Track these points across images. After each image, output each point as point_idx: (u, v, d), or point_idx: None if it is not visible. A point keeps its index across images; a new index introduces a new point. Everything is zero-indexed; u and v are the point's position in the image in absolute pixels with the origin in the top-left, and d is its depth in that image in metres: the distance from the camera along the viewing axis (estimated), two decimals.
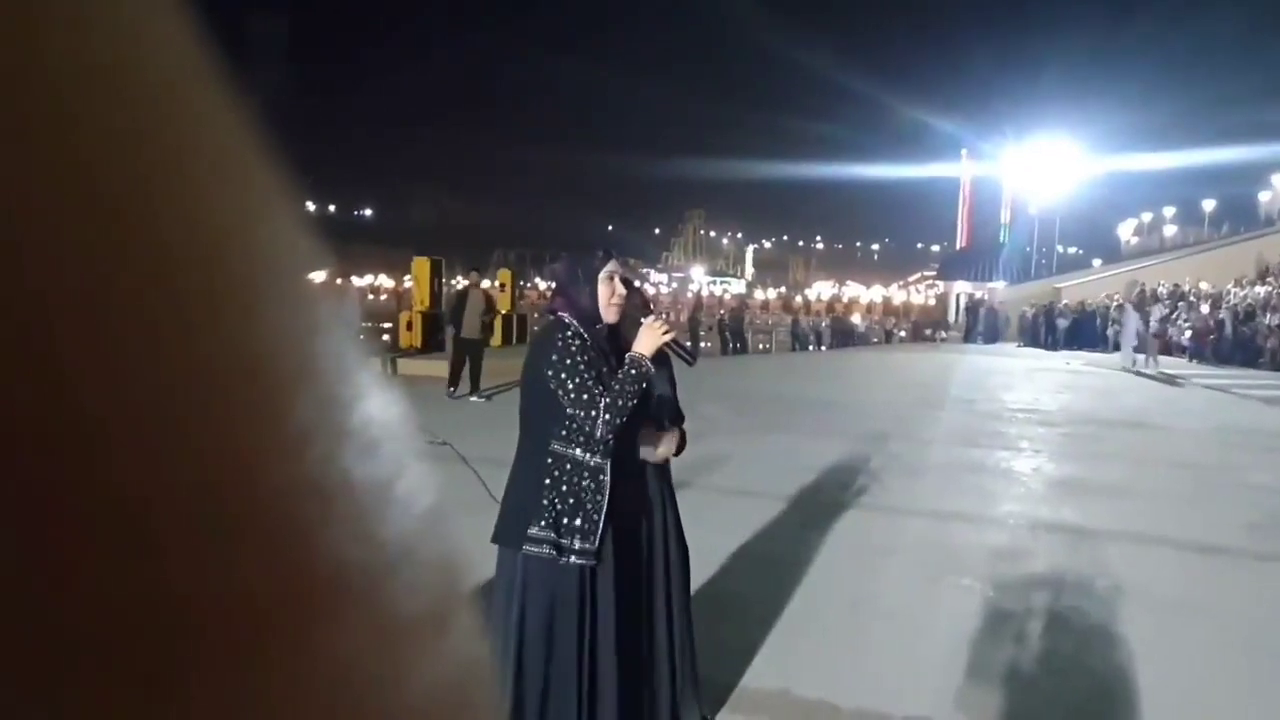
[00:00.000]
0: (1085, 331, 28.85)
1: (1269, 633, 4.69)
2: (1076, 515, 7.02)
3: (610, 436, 2.70)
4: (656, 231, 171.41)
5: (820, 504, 7.00)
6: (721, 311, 29.44)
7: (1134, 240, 54.11)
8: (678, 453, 3.24)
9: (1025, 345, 29.42)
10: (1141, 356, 20.24)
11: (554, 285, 2.89)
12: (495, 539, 2.77)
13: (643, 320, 2.80)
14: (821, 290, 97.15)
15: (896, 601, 4.97)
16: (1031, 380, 18.22)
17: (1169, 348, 25.99)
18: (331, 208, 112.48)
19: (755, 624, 4.44)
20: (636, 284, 3.16)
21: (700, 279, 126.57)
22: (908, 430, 11.00)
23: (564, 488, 2.69)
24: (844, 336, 31.78)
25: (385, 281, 73.94)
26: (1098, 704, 3.77)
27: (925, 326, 42.45)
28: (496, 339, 19.02)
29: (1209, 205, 48.93)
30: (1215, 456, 9.94)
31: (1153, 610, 4.88)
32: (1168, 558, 5.97)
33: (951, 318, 41.58)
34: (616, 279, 2.82)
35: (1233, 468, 9.28)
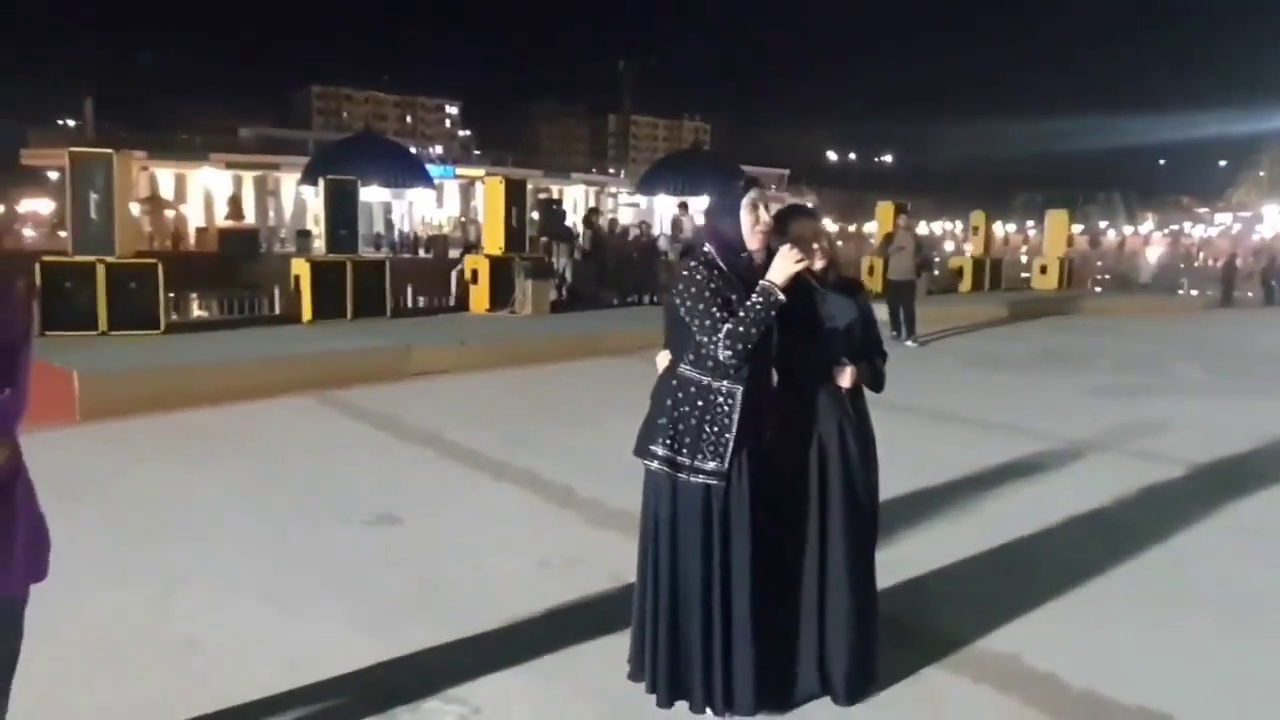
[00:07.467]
0: None
1: None
2: None
3: (735, 362, 2.70)
4: (1221, 164, 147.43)
5: (1227, 477, 5.96)
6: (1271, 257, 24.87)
7: None
8: (877, 389, 3.15)
9: None
10: None
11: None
12: (634, 451, 2.89)
13: (779, 249, 2.76)
14: None
15: (1252, 586, 4.19)
16: None
17: None
18: (852, 156, 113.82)
19: (1039, 586, 4.04)
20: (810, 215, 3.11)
21: (1274, 219, 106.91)
22: None
23: (686, 408, 2.76)
24: None
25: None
26: None
27: None
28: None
29: None
30: None
31: None
32: None
33: None
34: (761, 207, 2.82)
35: None
